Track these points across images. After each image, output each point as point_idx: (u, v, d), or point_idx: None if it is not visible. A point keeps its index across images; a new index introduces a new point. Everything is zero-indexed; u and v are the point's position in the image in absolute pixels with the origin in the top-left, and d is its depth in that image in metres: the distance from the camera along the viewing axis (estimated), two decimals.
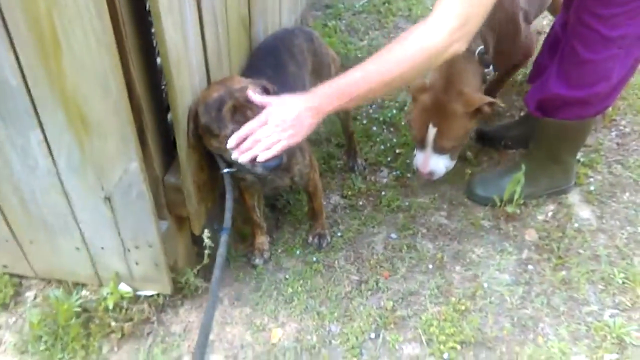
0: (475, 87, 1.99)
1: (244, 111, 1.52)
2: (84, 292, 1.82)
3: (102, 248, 1.70)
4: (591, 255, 2.02)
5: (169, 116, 1.54)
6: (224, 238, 1.42)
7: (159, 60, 1.44)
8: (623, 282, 1.92)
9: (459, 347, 1.75)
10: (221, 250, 1.37)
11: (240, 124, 1.50)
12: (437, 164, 2.06)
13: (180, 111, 1.43)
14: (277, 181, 1.82)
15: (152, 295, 1.83)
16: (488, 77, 2.08)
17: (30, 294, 1.90)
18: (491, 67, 2.04)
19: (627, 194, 2.23)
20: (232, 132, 1.49)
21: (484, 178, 2.26)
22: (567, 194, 2.23)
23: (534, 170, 2.12)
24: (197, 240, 1.88)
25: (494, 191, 2.17)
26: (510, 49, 2.15)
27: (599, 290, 1.91)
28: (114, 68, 1.23)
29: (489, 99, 1.94)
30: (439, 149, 2.01)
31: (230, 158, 1.55)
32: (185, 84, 1.44)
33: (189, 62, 1.45)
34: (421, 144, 2.03)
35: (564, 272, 1.96)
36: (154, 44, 1.41)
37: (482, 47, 1.99)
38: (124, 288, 1.79)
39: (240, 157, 1.47)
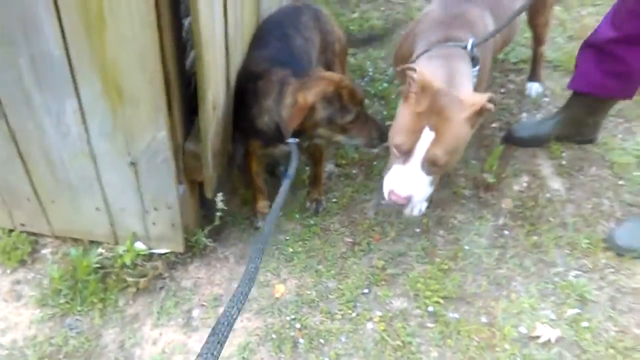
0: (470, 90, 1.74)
1: (356, 95, 1.76)
2: (99, 250, 1.95)
3: (122, 209, 1.83)
4: (560, 222, 2.24)
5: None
6: (287, 181, 1.64)
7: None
8: (587, 247, 2.15)
9: (442, 301, 1.96)
10: (283, 189, 1.57)
11: (356, 106, 1.76)
12: (421, 185, 1.64)
13: (207, 83, 1.55)
14: (285, 150, 1.96)
15: (164, 253, 1.98)
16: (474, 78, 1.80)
17: (46, 252, 2.02)
18: (477, 68, 1.80)
19: (594, 168, 2.46)
20: (355, 116, 1.77)
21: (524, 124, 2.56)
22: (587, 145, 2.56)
23: (570, 118, 2.43)
24: (203, 204, 2.02)
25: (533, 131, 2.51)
26: None
27: (565, 254, 2.13)
28: (153, 44, 1.36)
29: (488, 94, 1.61)
30: (429, 163, 1.61)
31: (337, 139, 1.87)
32: (211, 57, 1.56)
33: (214, 37, 1.56)
34: (407, 154, 1.62)
35: (535, 238, 2.18)
36: (182, 21, 1.53)
37: (473, 39, 1.77)
38: (140, 246, 1.93)
39: None
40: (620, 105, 2.72)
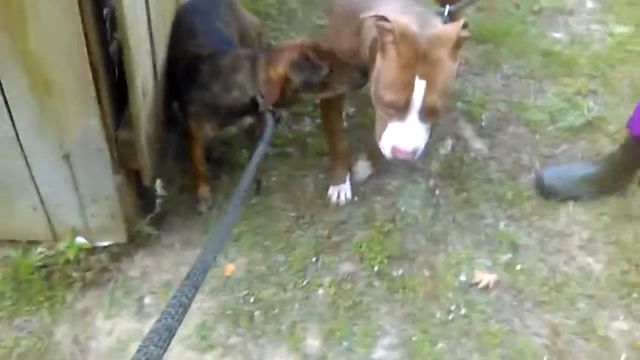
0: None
1: (320, 51, 1.79)
2: (39, 249, 1.91)
3: (59, 205, 1.80)
4: (485, 178, 2.38)
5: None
6: (263, 145, 1.60)
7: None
8: (512, 199, 2.30)
9: (386, 260, 2.06)
10: (259, 151, 1.54)
11: (327, 60, 1.78)
12: (423, 135, 1.60)
13: (134, 69, 1.56)
14: (246, 125, 2.03)
15: (107, 246, 1.96)
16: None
17: None
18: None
19: (512, 127, 2.62)
20: (329, 70, 1.78)
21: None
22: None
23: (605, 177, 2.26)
24: (140, 194, 2.02)
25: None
26: None
27: (493, 207, 2.28)
28: (77, 34, 1.36)
29: (461, 21, 1.57)
30: (427, 112, 1.55)
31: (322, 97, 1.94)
32: (137, 42, 1.57)
33: (138, 21, 1.58)
34: (404, 109, 1.55)
35: (464, 194, 2.31)
36: (104, 8, 1.53)
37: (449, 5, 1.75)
38: (80, 240, 1.91)
39: None
40: (531, 66, 2.92)
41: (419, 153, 1.63)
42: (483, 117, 2.65)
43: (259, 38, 2.37)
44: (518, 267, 2.07)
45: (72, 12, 1.33)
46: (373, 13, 1.57)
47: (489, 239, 2.17)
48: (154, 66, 1.83)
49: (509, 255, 2.11)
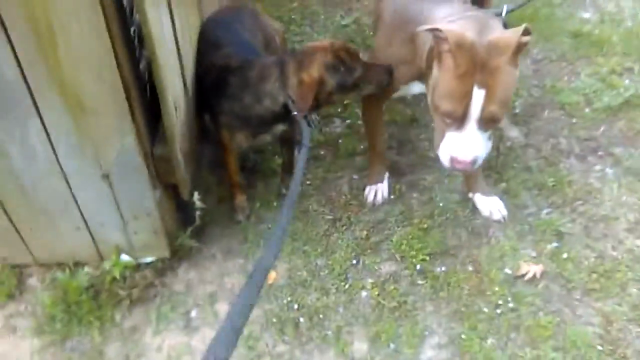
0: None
1: (352, 52, 1.81)
2: (86, 270, 1.94)
3: (102, 224, 1.84)
4: (524, 167, 2.33)
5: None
6: (305, 149, 1.65)
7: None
8: (553, 185, 2.25)
9: (427, 258, 2.03)
10: (302, 157, 1.59)
11: (359, 62, 1.81)
12: (482, 145, 1.57)
13: (165, 85, 1.58)
14: (279, 132, 2.02)
15: (151, 262, 1.99)
16: None
17: (33, 281, 2.00)
18: None
19: (547, 111, 2.56)
20: (362, 71, 1.81)
21: None
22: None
23: None
24: (179, 207, 2.04)
25: None
26: None
27: (534, 195, 2.23)
28: (107, 54, 1.38)
29: (521, 26, 1.48)
30: (486, 121, 1.53)
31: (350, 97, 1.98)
32: (165, 58, 1.59)
33: (164, 38, 1.59)
34: (461, 120, 1.53)
35: (503, 184, 2.27)
36: (131, 27, 1.55)
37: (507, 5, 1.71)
38: (125, 258, 1.94)
39: None
40: (562, 49, 2.85)
41: (479, 162, 1.60)
42: (516, 104, 2.60)
43: (283, 43, 2.38)
44: (564, 255, 2.02)
45: (100, 32, 1.35)
46: (428, 27, 1.55)
47: (532, 229, 2.12)
48: (184, 80, 1.84)
49: (554, 244, 2.06)
